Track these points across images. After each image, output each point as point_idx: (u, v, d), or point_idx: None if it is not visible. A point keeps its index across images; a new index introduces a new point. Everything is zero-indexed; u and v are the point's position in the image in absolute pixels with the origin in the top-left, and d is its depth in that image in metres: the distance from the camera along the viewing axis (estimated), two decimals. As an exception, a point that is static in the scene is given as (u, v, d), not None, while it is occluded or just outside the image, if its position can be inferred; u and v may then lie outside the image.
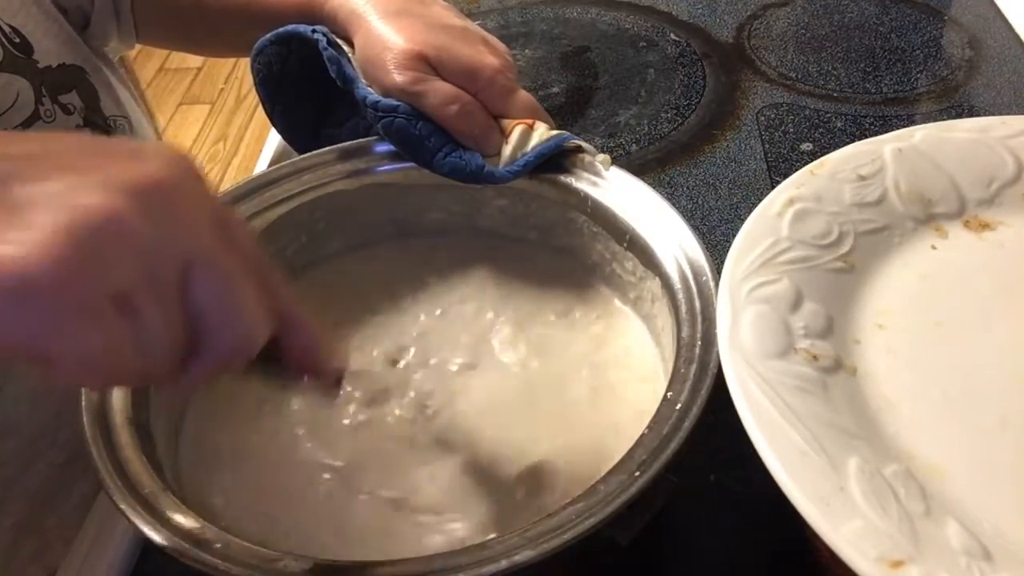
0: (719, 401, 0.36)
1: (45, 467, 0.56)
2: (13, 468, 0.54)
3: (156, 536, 0.35)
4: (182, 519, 0.35)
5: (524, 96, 0.51)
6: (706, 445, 0.38)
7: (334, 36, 0.52)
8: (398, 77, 0.48)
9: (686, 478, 0.39)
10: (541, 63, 0.82)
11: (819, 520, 0.30)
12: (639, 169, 0.68)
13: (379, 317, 0.52)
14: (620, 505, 0.34)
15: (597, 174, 0.49)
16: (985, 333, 0.39)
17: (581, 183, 0.49)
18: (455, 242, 0.55)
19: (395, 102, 0.49)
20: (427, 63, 0.49)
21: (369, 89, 0.50)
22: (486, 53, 0.50)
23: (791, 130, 0.71)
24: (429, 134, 0.49)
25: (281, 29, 0.55)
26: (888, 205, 0.44)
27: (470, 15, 0.90)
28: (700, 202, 0.65)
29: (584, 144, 0.50)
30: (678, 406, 0.37)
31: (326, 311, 0.52)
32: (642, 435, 0.36)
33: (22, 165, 0.26)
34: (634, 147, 0.71)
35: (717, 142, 0.71)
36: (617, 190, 0.49)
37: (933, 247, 0.43)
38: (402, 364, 0.49)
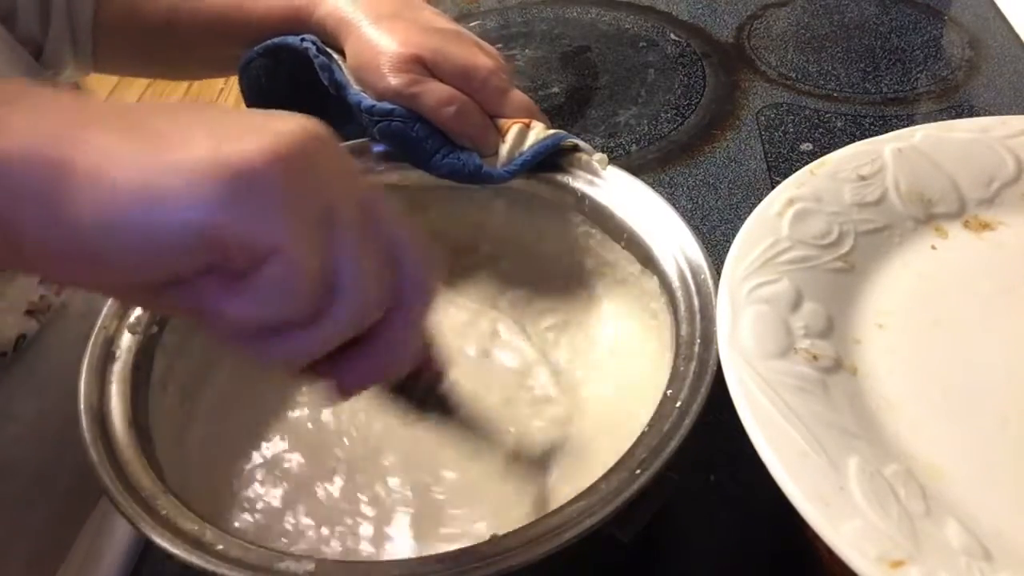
0: (719, 400, 0.36)
1: (46, 510, 0.54)
2: (14, 512, 0.52)
3: (155, 537, 0.35)
4: (181, 520, 0.35)
5: (519, 96, 0.51)
6: (706, 445, 0.38)
7: (323, 44, 0.52)
8: (393, 80, 0.48)
9: (686, 478, 0.39)
10: (541, 63, 0.82)
11: (819, 520, 0.30)
12: (639, 169, 0.68)
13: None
14: (621, 503, 0.34)
15: (594, 173, 0.49)
16: (985, 333, 0.39)
17: (578, 182, 0.49)
18: (451, 242, 0.55)
19: (390, 105, 0.49)
20: (422, 65, 0.48)
21: (363, 94, 0.50)
22: (479, 54, 0.50)
23: (791, 130, 0.71)
24: (426, 136, 0.49)
25: (269, 42, 0.54)
26: (888, 205, 0.44)
27: (470, 15, 0.90)
28: (700, 202, 0.65)
29: (581, 143, 0.50)
30: (678, 404, 0.37)
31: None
32: (642, 433, 0.37)
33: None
34: (634, 147, 0.71)
35: (717, 142, 0.71)
36: (614, 189, 0.49)
37: (933, 247, 0.43)
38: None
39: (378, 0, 0.52)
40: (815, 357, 0.37)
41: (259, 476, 0.45)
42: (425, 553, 0.35)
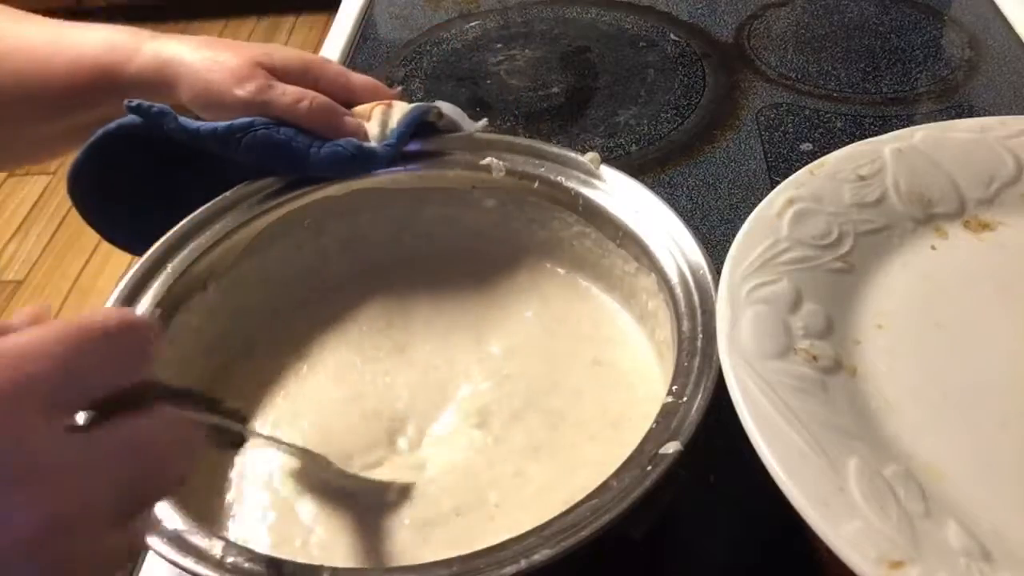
0: (719, 401, 0.36)
1: None
2: None
3: (157, 545, 0.34)
4: (182, 527, 0.35)
5: (360, 77, 0.53)
6: (706, 445, 0.38)
7: (145, 104, 0.48)
8: (241, 91, 0.48)
9: (686, 478, 0.39)
10: (541, 63, 0.82)
11: (819, 521, 0.30)
12: (639, 169, 0.68)
13: (373, 319, 0.52)
14: (636, 500, 0.34)
15: (589, 173, 0.49)
16: (985, 333, 0.39)
17: (571, 182, 0.49)
18: (444, 243, 0.54)
19: (247, 119, 0.48)
20: (263, 69, 0.49)
21: (212, 123, 0.48)
22: (305, 53, 0.53)
23: (791, 130, 0.71)
24: (293, 135, 0.48)
25: (96, 141, 0.49)
26: (888, 205, 0.44)
27: (470, 15, 0.90)
28: (700, 202, 0.65)
29: (444, 105, 0.51)
30: (684, 399, 0.37)
31: (312, 314, 0.52)
32: (651, 429, 0.36)
33: None
34: (634, 147, 0.71)
35: (717, 142, 0.71)
36: (608, 188, 0.49)
37: (933, 247, 0.43)
38: (394, 369, 0.49)
39: (189, 37, 0.52)
40: (815, 358, 0.37)
41: (263, 483, 0.45)
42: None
